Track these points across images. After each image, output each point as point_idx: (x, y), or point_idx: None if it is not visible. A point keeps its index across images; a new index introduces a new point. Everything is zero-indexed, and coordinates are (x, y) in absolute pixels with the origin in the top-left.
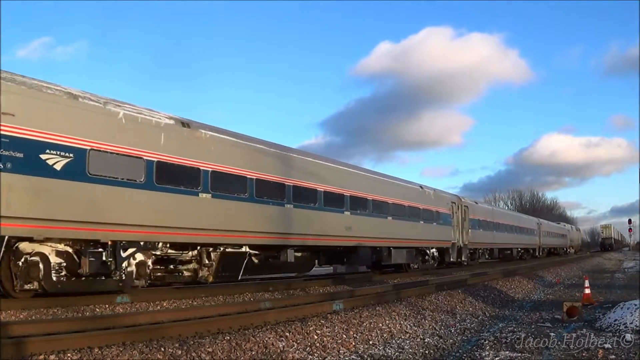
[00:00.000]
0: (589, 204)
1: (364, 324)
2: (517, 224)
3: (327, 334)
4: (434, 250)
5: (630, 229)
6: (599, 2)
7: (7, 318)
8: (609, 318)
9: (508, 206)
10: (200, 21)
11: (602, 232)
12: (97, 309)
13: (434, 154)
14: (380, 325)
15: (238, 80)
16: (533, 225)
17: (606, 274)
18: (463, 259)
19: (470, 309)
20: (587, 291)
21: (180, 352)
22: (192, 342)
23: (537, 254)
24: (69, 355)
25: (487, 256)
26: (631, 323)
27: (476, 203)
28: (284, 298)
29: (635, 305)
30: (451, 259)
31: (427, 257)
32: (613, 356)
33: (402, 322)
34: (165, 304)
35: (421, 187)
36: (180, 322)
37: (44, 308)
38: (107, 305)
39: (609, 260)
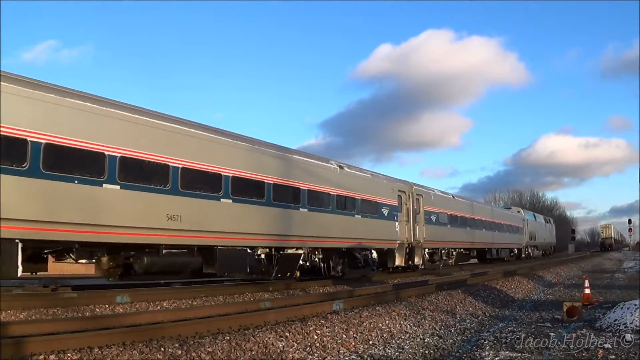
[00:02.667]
0: (588, 204)
1: (364, 324)
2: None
3: (327, 334)
4: None
5: (630, 229)
6: (594, 4)
7: (7, 318)
8: (609, 318)
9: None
10: (202, 23)
11: (602, 232)
12: (97, 309)
13: (433, 154)
14: (380, 325)
15: (239, 81)
16: (385, 194)
17: (606, 274)
18: None
19: (470, 309)
20: (587, 291)
21: (180, 352)
22: (192, 342)
23: (414, 261)
24: (69, 355)
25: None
26: (631, 323)
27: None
28: (284, 298)
29: (635, 305)
30: None
31: None
32: (613, 356)
33: (402, 322)
34: (165, 304)
35: None
36: (180, 322)
37: (44, 308)
38: (107, 305)
39: (609, 260)
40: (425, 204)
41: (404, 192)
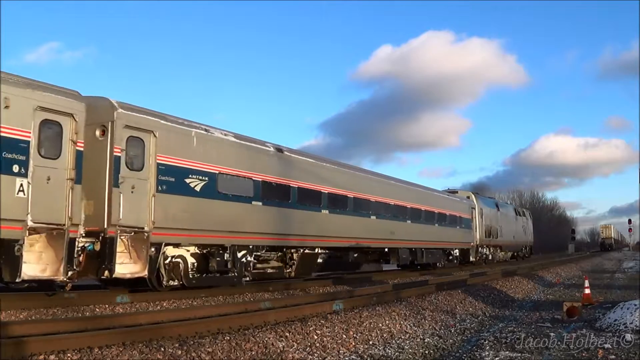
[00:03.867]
0: (588, 204)
1: (364, 324)
2: None
3: (327, 334)
4: None
5: (630, 229)
6: (593, 6)
7: (7, 318)
8: (609, 318)
9: None
10: (204, 24)
11: (602, 232)
12: (97, 309)
13: (433, 155)
14: (380, 325)
15: (240, 82)
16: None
17: (606, 274)
18: None
19: (470, 309)
20: (587, 291)
21: (180, 352)
22: (192, 342)
23: (113, 271)
24: (69, 355)
25: None
26: (631, 323)
27: None
28: (284, 298)
29: (635, 305)
30: None
31: None
32: (613, 356)
33: (402, 322)
34: (165, 304)
35: None
36: (180, 322)
37: (44, 308)
38: (107, 305)
39: (609, 260)
40: (163, 152)
41: (72, 115)
